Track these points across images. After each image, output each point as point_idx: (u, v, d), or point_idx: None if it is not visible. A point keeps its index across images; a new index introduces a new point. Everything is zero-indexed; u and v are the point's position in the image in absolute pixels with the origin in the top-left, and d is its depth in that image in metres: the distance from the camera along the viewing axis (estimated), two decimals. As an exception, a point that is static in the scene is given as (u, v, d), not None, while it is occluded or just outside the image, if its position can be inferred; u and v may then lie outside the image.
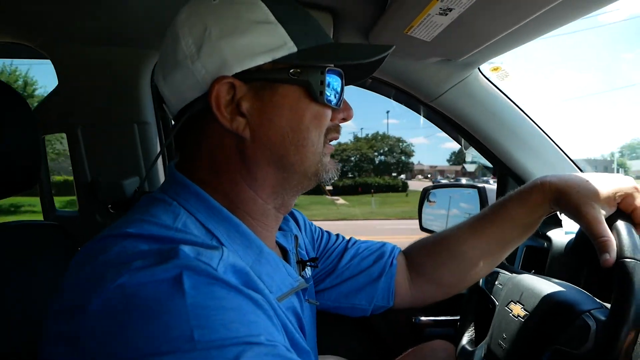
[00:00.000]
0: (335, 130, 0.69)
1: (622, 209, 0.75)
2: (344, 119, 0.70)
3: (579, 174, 0.81)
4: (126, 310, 0.42)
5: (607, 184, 0.75)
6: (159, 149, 1.41)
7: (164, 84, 0.64)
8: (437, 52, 1.11)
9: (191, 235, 0.56)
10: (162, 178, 1.41)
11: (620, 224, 0.72)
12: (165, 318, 0.41)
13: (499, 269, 1.07)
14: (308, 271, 0.84)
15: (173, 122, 0.69)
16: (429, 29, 0.96)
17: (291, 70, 0.61)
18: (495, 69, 1.26)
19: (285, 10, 0.63)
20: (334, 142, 0.71)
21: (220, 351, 0.41)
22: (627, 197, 0.75)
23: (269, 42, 0.60)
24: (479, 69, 1.25)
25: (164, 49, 0.65)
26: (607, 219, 0.73)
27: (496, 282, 1.04)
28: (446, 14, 0.88)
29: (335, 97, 0.65)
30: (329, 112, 0.66)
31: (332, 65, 0.64)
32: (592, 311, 0.75)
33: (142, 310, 0.42)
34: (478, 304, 1.10)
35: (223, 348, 0.41)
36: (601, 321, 0.72)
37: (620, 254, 0.67)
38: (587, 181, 0.77)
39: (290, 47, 0.61)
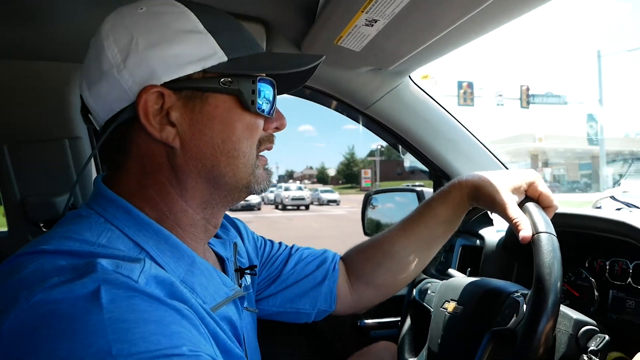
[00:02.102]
0: (268, 140, 0.69)
1: (529, 195, 0.85)
2: (277, 128, 0.71)
3: (492, 172, 0.89)
4: (41, 328, 0.41)
5: (515, 176, 0.86)
6: (93, 164, 1.36)
7: (89, 94, 0.62)
8: (367, 62, 1.14)
9: (114, 250, 0.54)
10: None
11: (530, 205, 0.80)
12: (82, 334, 0.40)
13: (429, 280, 1.12)
14: (247, 279, 0.83)
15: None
16: (358, 39, 0.99)
17: (222, 80, 0.61)
18: (425, 77, 1.31)
19: (215, 21, 0.63)
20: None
21: None
22: (532, 184, 0.85)
23: (198, 51, 0.59)
24: (410, 77, 1.29)
25: (88, 60, 0.63)
26: (519, 205, 0.81)
27: (429, 291, 1.09)
28: (372, 25, 0.91)
29: (267, 106, 0.65)
30: (261, 122, 0.66)
31: (264, 74, 0.64)
32: (518, 291, 0.82)
33: (58, 327, 0.41)
34: (414, 314, 1.14)
35: None
36: (527, 295, 0.77)
37: (535, 230, 0.74)
38: (498, 175, 0.86)
39: (221, 57, 0.61)
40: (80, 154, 1.32)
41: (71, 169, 1.32)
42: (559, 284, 0.68)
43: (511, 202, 0.81)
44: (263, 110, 0.64)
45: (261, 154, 0.69)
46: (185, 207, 0.64)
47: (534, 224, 0.75)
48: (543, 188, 0.85)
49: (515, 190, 0.83)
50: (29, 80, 1.25)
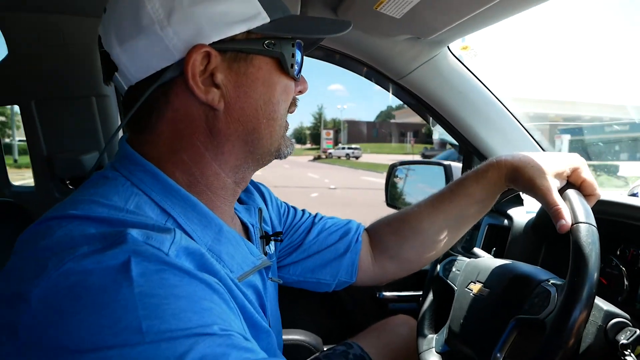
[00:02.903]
0: (293, 103, 0.69)
1: (572, 182, 0.81)
2: (300, 92, 0.70)
3: (533, 153, 0.85)
4: (70, 299, 0.40)
5: (557, 160, 0.81)
6: (119, 123, 1.36)
7: (121, 50, 0.57)
8: (406, 30, 1.09)
9: (143, 217, 0.53)
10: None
11: (572, 192, 0.77)
12: (111, 308, 0.40)
13: (455, 256, 1.10)
14: (272, 246, 0.83)
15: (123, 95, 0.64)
16: (399, 6, 0.95)
17: (266, 42, 0.60)
18: (465, 48, 1.26)
19: None
20: None
21: (170, 344, 0.39)
22: (576, 170, 0.81)
23: (245, 11, 0.58)
24: (448, 47, 1.25)
25: (120, 13, 0.58)
26: (558, 191, 0.77)
27: (453, 269, 1.07)
28: (416, -9, 0.86)
29: (298, 69, 0.65)
30: (293, 85, 0.66)
31: (301, 38, 0.64)
32: (550, 280, 0.79)
33: (87, 300, 0.40)
34: (437, 291, 1.13)
35: (173, 340, 0.40)
36: (560, 285, 0.75)
37: (575, 220, 0.71)
38: (539, 158, 0.81)
39: (264, 18, 0.59)
40: (107, 112, 1.33)
41: (98, 127, 1.32)
42: (595, 276, 0.66)
43: (552, 188, 0.76)
44: (297, 74, 0.64)
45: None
46: (218, 171, 0.63)
47: (574, 213, 0.72)
48: (587, 175, 0.81)
49: (558, 176, 0.79)
50: (56, 35, 1.24)
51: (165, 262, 0.45)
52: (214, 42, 0.57)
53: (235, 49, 0.58)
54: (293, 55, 0.62)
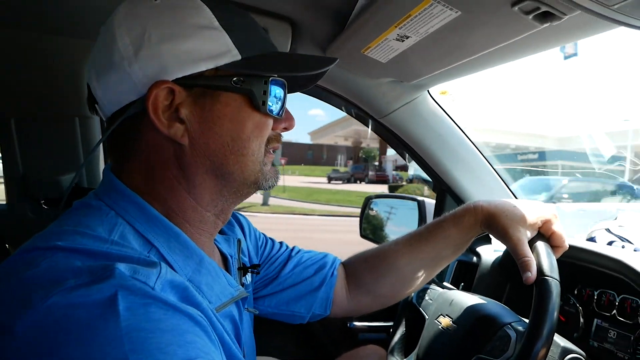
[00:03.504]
0: (276, 139, 0.69)
1: (542, 232, 0.85)
2: (286, 129, 0.70)
3: (508, 200, 0.89)
4: (56, 333, 0.40)
5: (531, 210, 0.84)
6: (102, 147, 1.35)
7: (97, 84, 0.61)
8: (390, 73, 1.15)
9: (128, 249, 0.53)
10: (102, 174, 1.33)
11: (540, 245, 0.80)
12: (98, 342, 0.40)
13: (429, 285, 1.14)
14: (249, 277, 0.84)
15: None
16: (385, 52, 1.00)
17: (234, 79, 0.60)
18: (444, 93, 1.33)
19: (230, 17, 0.62)
20: None
21: None
22: (547, 222, 0.84)
23: (212, 48, 0.59)
24: (428, 91, 1.31)
25: (98, 47, 0.61)
26: (529, 242, 0.81)
27: (427, 297, 1.11)
28: (403, 40, 0.92)
29: (277, 106, 0.65)
30: (270, 122, 0.65)
31: (276, 75, 0.63)
32: (512, 323, 0.84)
33: (74, 333, 0.40)
34: (409, 317, 1.16)
35: None
36: (520, 332, 0.80)
37: (540, 272, 0.75)
38: (515, 207, 0.85)
39: (234, 55, 0.60)
40: (89, 134, 1.31)
41: (79, 149, 1.30)
42: (552, 329, 0.70)
43: (523, 239, 0.80)
44: (272, 111, 0.64)
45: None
46: (194, 204, 0.64)
47: (540, 266, 0.76)
48: (557, 227, 0.84)
49: (530, 227, 0.82)
50: (42, 55, 1.23)
51: (151, 296, 0.45)
52: (178, 78, 0.58)
53: (202, 85, 0.59)
54: (265, 92, 0.62)
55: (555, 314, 0.71)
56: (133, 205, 0.59)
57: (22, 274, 0.46)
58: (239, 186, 0.65)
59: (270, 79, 0.63)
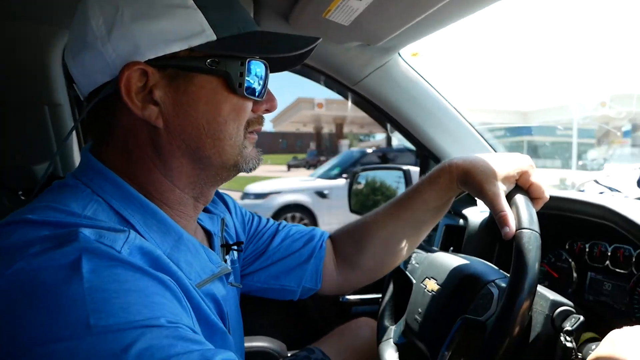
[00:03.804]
0: (257, 122, 0.68)
1: (520, 184, 0.82)
2: (267, 110, 0.69)
3: (484, 154, 0.86)
4: (21, 297, 0.41)
5: (506, 163, 0.81)
6: (74, 134, 1.34)
7: (73, 64, 0.60)
8: (355, 37, 1.12)
9: (99, 222, 0.53)
10: (77, 162, 1.33)
11: (519, 198, 0.78)
12: (60, 303, 0.41)
13: (415, 249, 1.12)
14: (234, 254, 0.84)
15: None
16: (346, 13, 0.97)
17: (208, 60, 0.59)
18: (415, 54, 1.30)
19: None
20: None
21: (117, 335, 0.41)
22: (525, 174, 0.82)
23: (186, 28, 0.57)
24: (399, 54, 1.28)
25: (73, 28, 0.60)
26: (507, 195, 0.79)
27: (413, 261, 1.09)
28: (361, -1, 0.89)
29: (258, 88, 0.63)
30: (249, 104, 0.64)
31: (254, 57, 0.62)
32: (495, 281, 0.82)
33: (38, 296, 0.41)
34: (397, 282, 1.14)
35: (120, 332, 0.41)
36: (503, 288, 0.78)
37: (519, 226, 0.73)
38: (489, 161, 0.82)
39: (209, 35, 0.58)
40: (60, 122, 1.30)
41: (51, 137, 1.29)
42: (534, 284, 0.68)
43: (499, 193, 0.78)
44: (252, 92, 0.62)
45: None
46: (171, 187, 0.63)
47: (518, 219, 0.74)
48: (535, 178, 0.82)
49: (506, 179, 0.80)
50: (7, 42, 1.21)
51: (117, 259, 0.46)
52: (152, 59, 0.57)
53: (176, 66, 0.58)
54: (242, 74, 0.60)
55: (537, 266, 0.69)
56: (109, 183, 0.59)
57: None
58: (218, 170, 0.65)
59: (248, 60, 0.61)
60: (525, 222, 0.73)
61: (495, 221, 0.77)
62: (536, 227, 0.73)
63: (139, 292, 0.44)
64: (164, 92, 0.58)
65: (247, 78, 0.61)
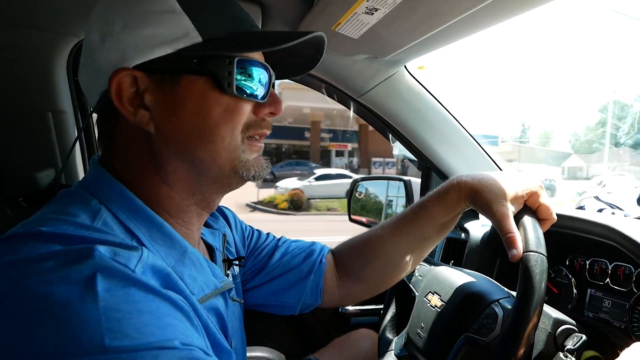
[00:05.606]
0: (259, 125, 0.65)
1: (528, 205, 0.81)
2: (272, 114, 0.67)
3: (492, 172, 0.85)
4: (33, 312, 0.41)
5: (515, 183, 0.80)
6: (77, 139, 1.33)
7: (80, 77, 0.63)
8: (364, 50, 1.12)
9: (110, 235, 0.53)
10: (80, 170, 1.33)
11: (527, 220, 0.77)
12: (74, 321, 0.40)
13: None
14: (235, 269, 0.83)
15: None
16: (356, 27, 0.97)
17: (194, 61, 0.58)
18: (421, 67, 1.31)
19: (196, 0, 0.60)
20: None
21: (131, 356, 0.40)
22: (533, 194, 0.81)
23: (171, 32, 0.57)
24: (405, 67, 1.28)
25: (83, 42, 0.63)
26: (515, 215, 0.78)
27: (416, 274, 1.09)
28: (372, 13, 0.89)
29: (255, 89, 0.62)
30: (245, 106, 0.62)
31: (243, 54, 0.61)
32: (500, 300, 0.81)
33: (51, 313, 0.40)
34: (400, 294, 1.15)
35: (135, 352, 0.41)
36: (507, 310, 0.78)
37: (526, 248, 0.72)
38: (499, 180, 0.81)
39: (194, 37, 0.58)
40: (64, 129, 1.29)
41: (54, 144, 1.28)
42: (539, 306, 0.68)
43: (507, 214, 0.76)
44: (248, 94, 0.61)
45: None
46: (170, 193, 0.63)
47: (525, 242, 0.73)
48: (544, 199, 0.81)
49: (515, 200, 0.79)
50: (12, 49, 1.20)
51: (131, 279, 0.45)
52: (140, 65, 0.58)
53: (161, 70, 0.58)
54: (230, 74, 0.59)
55: (543, 290, 0.69)
56: (116, 194, 0.59)
57: (4, 257, 0.46)
58: (217, 175, 0.63)
59: (236, 59, 0.60)
60: (532, 245, 0.73)
61: (496, 236, 0.77)
62: (543, 250, 0.72)
63: (151, 314, 0.44)
64: (154, 97, 0.59)
65: (237, 77, 0.60)
